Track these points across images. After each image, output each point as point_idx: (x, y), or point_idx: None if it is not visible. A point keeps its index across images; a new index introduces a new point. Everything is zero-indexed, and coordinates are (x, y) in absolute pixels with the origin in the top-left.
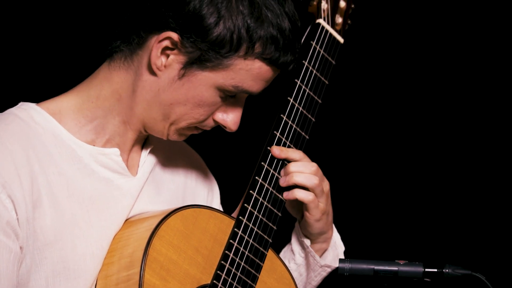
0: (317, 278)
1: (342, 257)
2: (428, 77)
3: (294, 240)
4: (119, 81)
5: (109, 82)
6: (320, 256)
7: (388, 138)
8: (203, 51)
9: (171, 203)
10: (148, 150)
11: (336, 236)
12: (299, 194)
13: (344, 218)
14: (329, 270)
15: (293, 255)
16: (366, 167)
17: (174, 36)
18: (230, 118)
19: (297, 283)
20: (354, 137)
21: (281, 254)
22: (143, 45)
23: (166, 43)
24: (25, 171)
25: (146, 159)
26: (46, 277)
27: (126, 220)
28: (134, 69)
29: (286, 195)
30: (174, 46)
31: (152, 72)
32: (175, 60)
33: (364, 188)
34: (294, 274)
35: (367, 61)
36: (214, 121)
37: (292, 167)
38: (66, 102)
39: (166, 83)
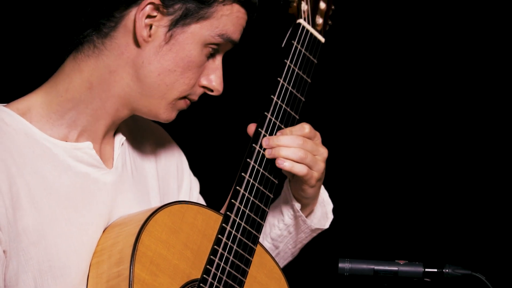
0: (308, 238)
1: (331, 215)
2: (415, 73)
3: (283, 202)
4: (89, 70)
5: (78, 73)
6: (308, 215)
7: (385, 137)
8: (187, 5)
9: (149, 190)
10: (120, 141)
11: (323, 194)
12: (294, 168)
13: (344, 218)
14: (319, 231)
15: (282, 216)
16: (364, 166)
17: (155, 0)
18: (214, 79)
19: (287, 240)
20: (346, 135)
21: (269, 211)
22: (118, 26)
23: (149, 10)
24: (2, 174)
25: (120, 150)
26: (34, 277)
27: (114, 221)
28: (106, 53)
29: (281, 163)
30: (157, 10)
31: (137, 45)
32: (159, 25)
33: (363, 188)
34: (284, 233)
35: (350, 60)
36: (201, 87)
37: (277, 140)
38: (34, 100)
39: (152, 52)
